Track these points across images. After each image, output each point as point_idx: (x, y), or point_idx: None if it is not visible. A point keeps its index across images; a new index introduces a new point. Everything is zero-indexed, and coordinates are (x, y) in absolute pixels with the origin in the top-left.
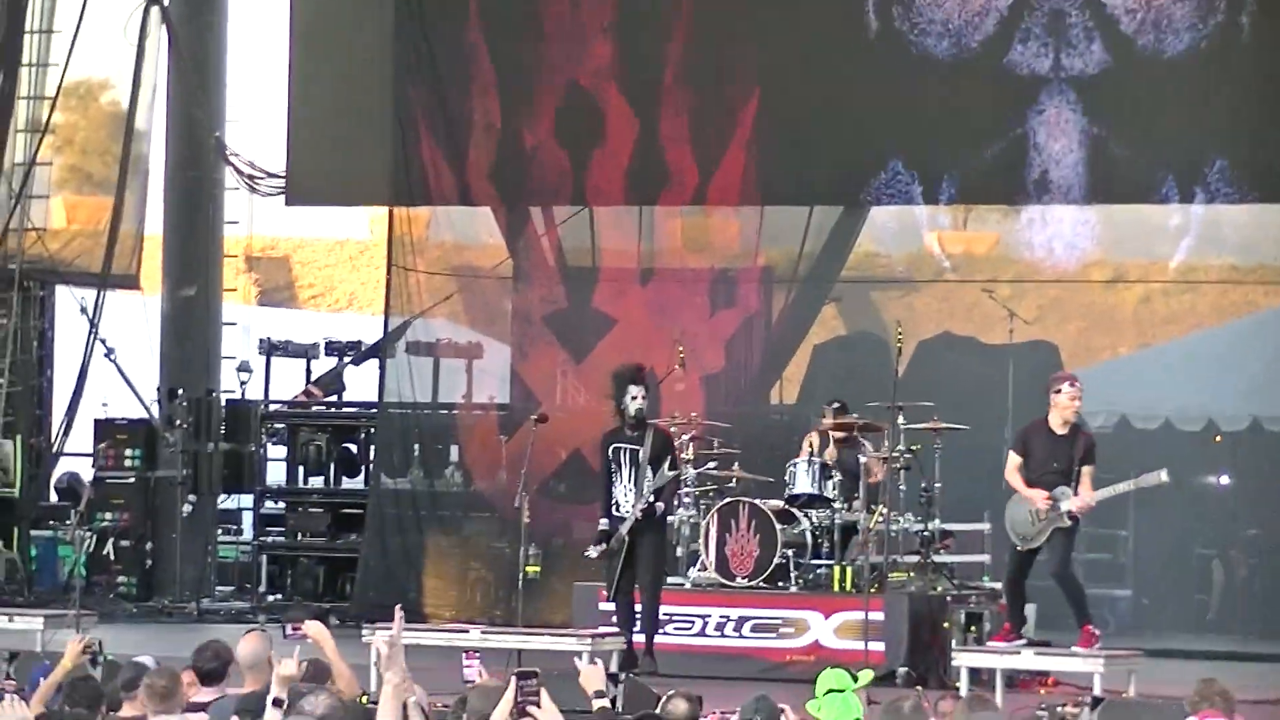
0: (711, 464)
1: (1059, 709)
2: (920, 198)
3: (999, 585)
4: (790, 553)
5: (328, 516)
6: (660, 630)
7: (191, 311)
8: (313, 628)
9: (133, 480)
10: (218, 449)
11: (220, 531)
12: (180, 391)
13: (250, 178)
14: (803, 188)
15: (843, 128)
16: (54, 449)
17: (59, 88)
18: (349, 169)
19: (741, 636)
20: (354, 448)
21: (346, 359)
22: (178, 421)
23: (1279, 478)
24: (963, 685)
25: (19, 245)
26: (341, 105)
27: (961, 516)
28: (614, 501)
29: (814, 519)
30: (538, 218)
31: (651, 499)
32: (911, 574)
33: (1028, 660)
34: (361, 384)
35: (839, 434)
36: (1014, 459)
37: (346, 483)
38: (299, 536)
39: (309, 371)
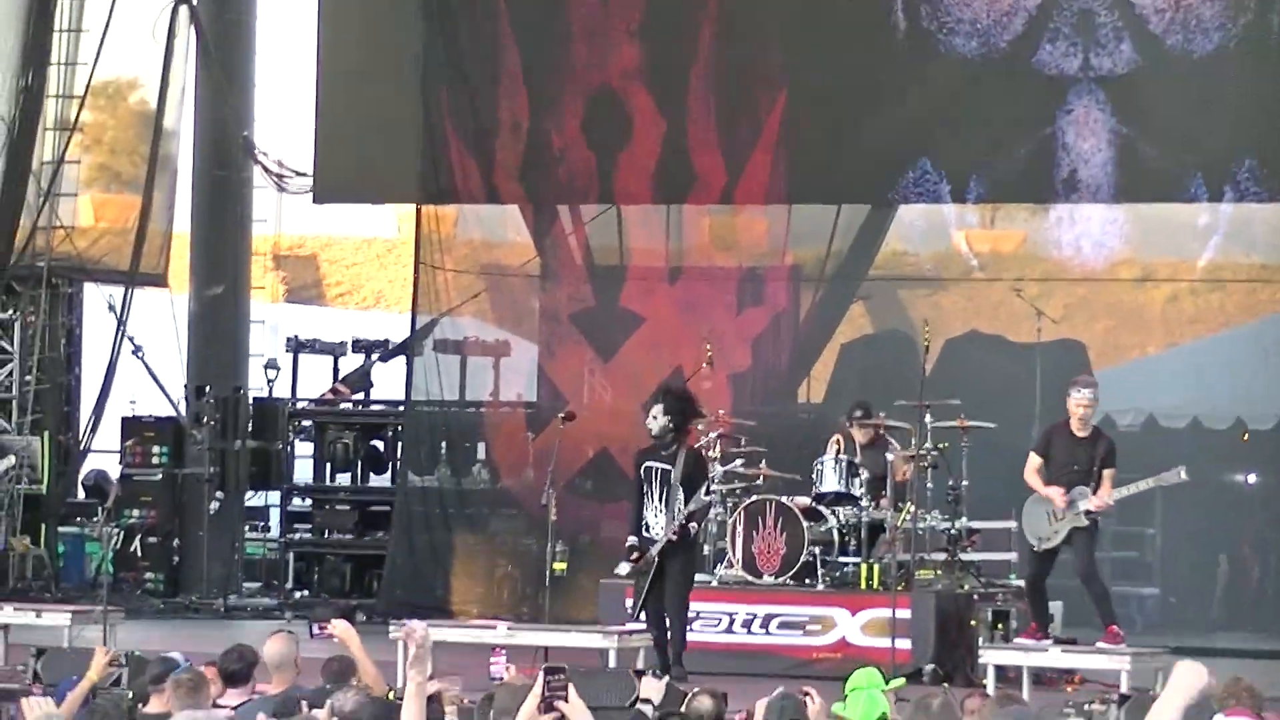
0: (738, 462)
1: (1086, 706)
2: (948, 196)
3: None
4: (817, 550)
5: (355, 514)
6: (687, 628)
7: (219, 309)
8: (339, 627)
9: (160, 477)
10: (245, 447)
11: (247, 529)
12: (208, 389)
13: (278, 176)
14: (830, 187)
15: (870, 127)
16: (81, 446)
17: (87, 86)
18: (377, 167)
19: (768, 634)
20: (381, 445)
21: (374, 357)
22: (205, 419)
23: None
24: (989, 683)
25: (47, 243)
26: (369, 104)
27: (988, 514)
28: (644, 522)
29: (841, 517)
30: (565, 216)
31: (685, 522)
32: (938, 572)
33: (1054, 658)
34: (389, 382)
35: (863, 439)
36: (1034, 460)
37: (374, 480)
38: (326, 534)
39: (336, 369)
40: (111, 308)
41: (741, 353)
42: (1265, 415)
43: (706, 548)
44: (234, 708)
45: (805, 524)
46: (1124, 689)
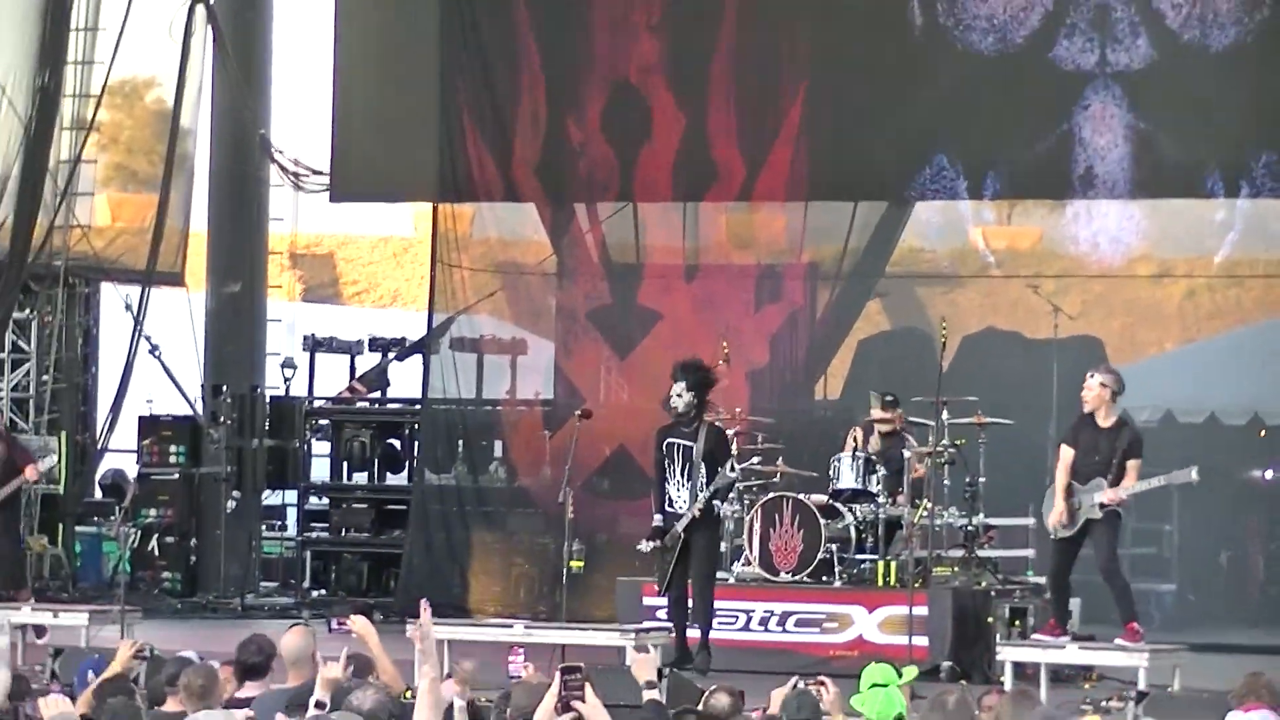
0: (756, 459)
1: (1104, 703)
2: (965, 193)
3: (1043, 580)
4: (834, 547)
5: (372, 512)
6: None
7: (236, 308)
8: (358, 623)
9: (177, 477)
10: (262, 445)
11: (264, 528)
12: (225, 388)
13: (295, 175)
14: (848, 183)
15: (887, 123)
16: (99, 445)
17: (104, 85)
18: (394, 165)
19: (785, 631)
20: (398, 444)
21: (390, 355)
22: (222, 418)
23: None
24: (1007, 680)
25: (64, 242)
26: (386, 102)
27: (1005, 511)
28: (667, 497)
29: (858, 514)
30: (582, 214)
31: (709, 498)
32: (955, 569)
33: (1072, 655)
34: (405, 380)
35: (884, 427)
36: (1065, 453)
37: (390, 479)
38: (343, 532)
39: (353, 368)
40: (128, 307)
41: (759, 350)
42: None
43: (723, 545)
44: (248, 701)
45: (822, 521)
46: (1141, 686)
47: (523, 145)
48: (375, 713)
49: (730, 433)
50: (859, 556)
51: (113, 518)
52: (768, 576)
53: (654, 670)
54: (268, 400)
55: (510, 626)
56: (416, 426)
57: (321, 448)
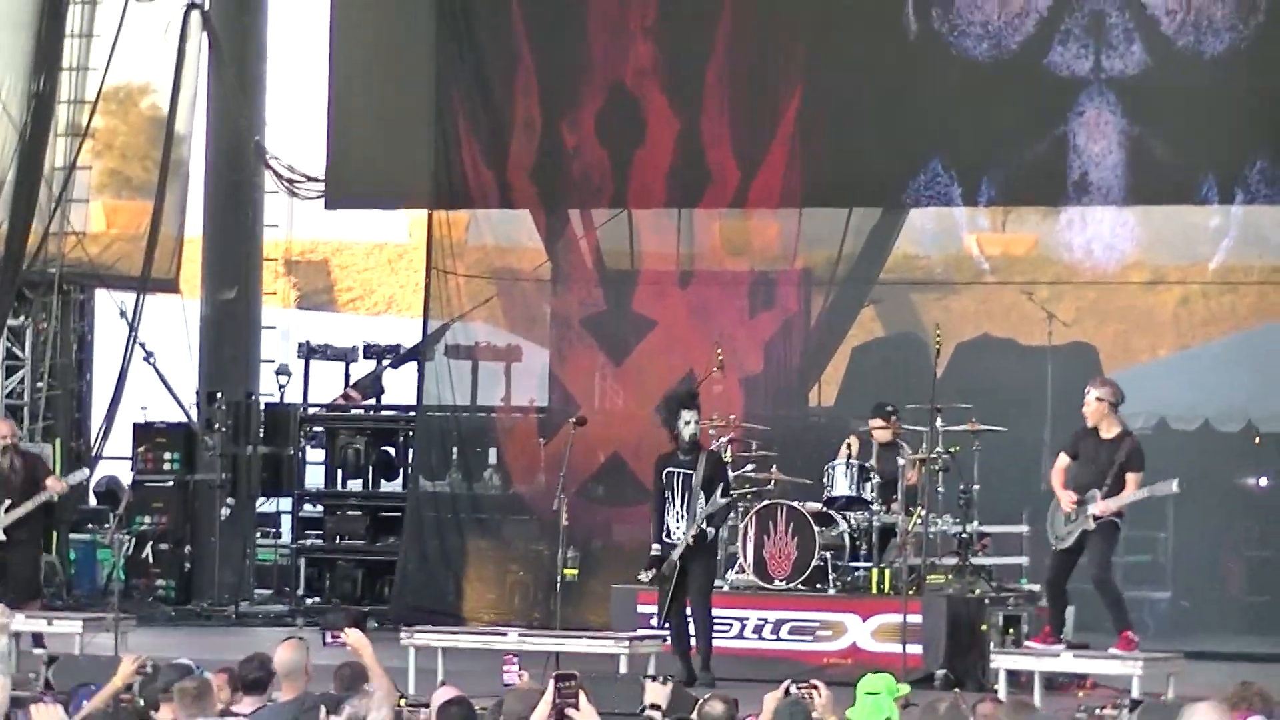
0: (750, 466)
1: (1098, 711)
2: (959, 199)
3: (1037, 587)
4: (828, 555)
5: (366, 520)
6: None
7: (231, 315)
8: (352, 636)
9: (171, 484)
10: (256, 452)
11: (259, 535)
12: (219, 395)
13: (290, 181)
14: (842, 189)
15: (882, 129)
16: (93, 452)
17: (99, 92)
18: (389, 172)
19: (779, 639)
20: (393, 451)
21: (385, 362)
22: (216, 425)
23: None
24: (1001, 688)
25: (59, 249)
26: (381, 108)
27: (1000, 519)
28: (665, 527)
29: (852, 521)
30: (576, 221)
31: (704, 525)
32: (950, 576)
33: (1066, 663)
34: (400, 387)
35: (882, 436)
36: (1061, 460)
37: (385, 486)
38: (338, 540)
39: (348, 375)
40: (123, 314)
41: (753, 357)
42: (1277, 417)
43: (718, 553)
44: (247, 715)
45: (816, 528)
46: (1135, 694)
47: (518, 151)
48: None
49: (724, 440)
50: (853, 564)
51: (107, 525)
52: (762, 584)
53: (664, 700)
54: (262, 407)
55: (505, 634)
56: (411, 433)
57: (316, 455)
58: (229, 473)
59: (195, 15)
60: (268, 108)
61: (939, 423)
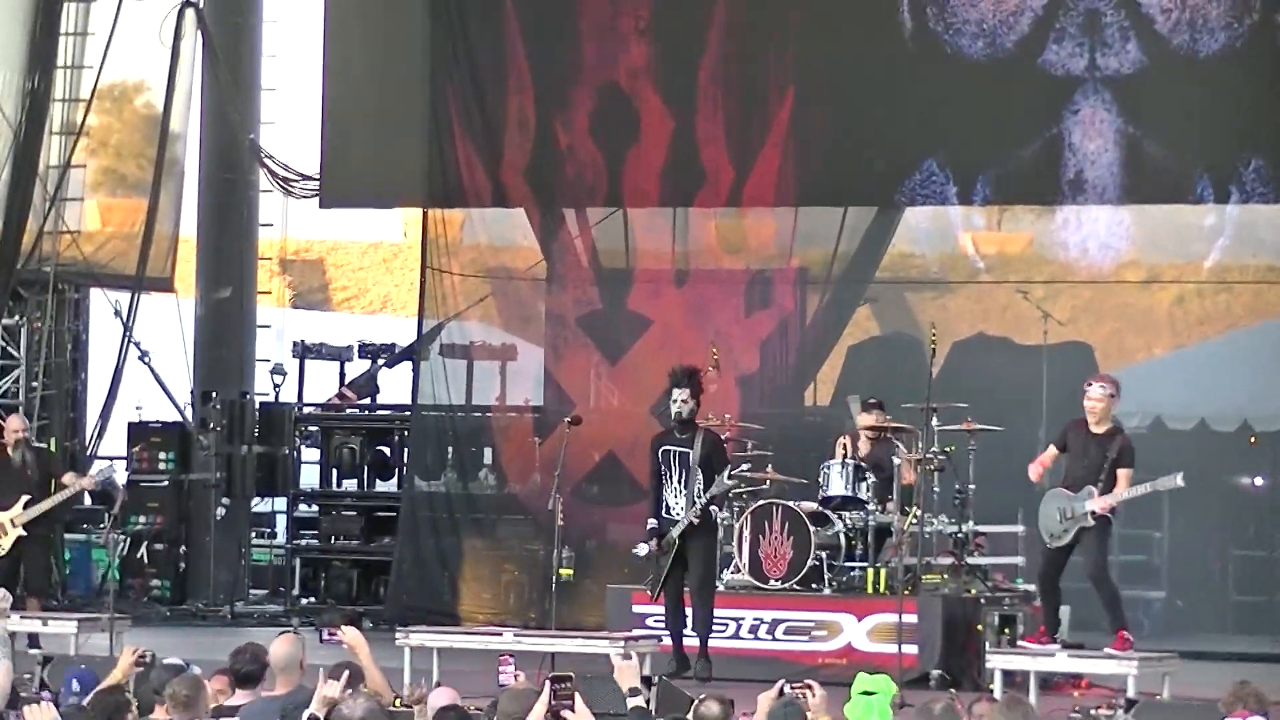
0: (745, 466)
1: (1093, 711)
2: (955, 198)
3: (1033, 587)
4: (824, 555)
5: (361, 520)
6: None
7: (226, 314)
8: (349, 634)
9: (166, 483)
10: (251, 452)
11: (254, 535)
12: (214, 394)
13: (284, 180)
14: (837, 188)
15: (877, 128)
16: (88, 452)
17: (94, 90)
18: (383, 171)
19: (774, 639)
20: (388, 450)
21: (380, 361)
22: (211, 424)
23: None
24: (996, 687)
25: (53, 248)
26: (376, 107)
27: (995, 518)
28: (664, 504)
29: (848, 521)
30: (572, 220)
31: (706, 503)
32: (945, 576)
33: (1062, 662)
34: (395, 387)
35: (871, 433)
36: (1049, 451)
37: (380, 486)
38: (333, 540)
39: (343, 374)
40: (118, 313)
41: (749, 355)
42: (1273, 417)
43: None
44: (239, 707)
45: (812, 528)
46: (1131, 693)
47: (511, 150)
48: None
49: (721, 438)
50: (848, 564)
51: (102, 524)
52: (757, 584)
53: (637, 677)
54: (257, 406)
55: (500, 634)
56: (406, 433)
57: (311, 454)
58: (224, 472)
59: (190, 13)
60: (262, 106)
61: (935, 422)
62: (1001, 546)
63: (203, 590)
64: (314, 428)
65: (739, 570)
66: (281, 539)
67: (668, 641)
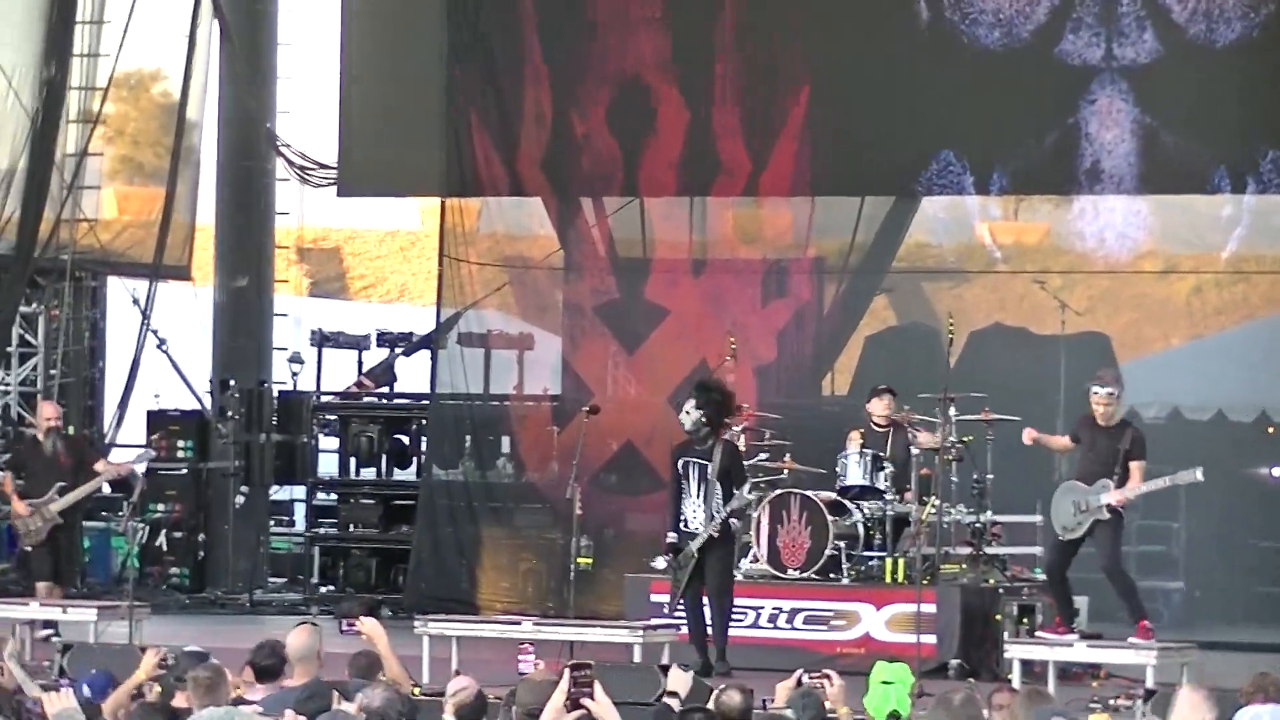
0: (763, 455)
1: (1112, 701)
2: (971, 188)
3: None
4: (842, 544)
5: (380, 508)
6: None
7: (243, 303)
8: (367, 624)
9: (185, 472)
10: (269, 440)
11: (272, 523)
12: (232, 383)
13: (301, 169)
14: (854, 178)
15: (893, 118)
16: (106, 440)
17: (110, 78)
18: (400, 160)
19: (793, 628)
20: (406, 439)
21: (398, 350)
22: (230, 413)
23: None
24: (1015, 677)
25: (71, 236)
26: (393, 96)
27: (1013, 508)
28: (682, 515)
29: (866, 511)
30: (588, 208)
31: (726, 517)
32: (963, 566)
33: (1080, 653)
34: (413, 375)
35: (880, 421)
36: (1063, 439)
37: (398, 474)
38: (351, 528)
39: (360, 363)
40: (135, 301)
41: (766, 345)
42: None
43: (736, 542)
44: (258, 701)
45: (830, 518)
46: (1149, 684)
47: (528, 139)
48: (384, 710)
49: (738, 429)
50: (867, 554)
51: (121, 513)
52: (775, 573)
53: (684, 687)
54: (275, 395)
55: (519, 623)
56: (424, 422)
57: (329, 443)
58: (242, 460)
59: (206, 1)
60: (279, 95)
61: (952, 412)
62: (1019, 536)
63: (221, 578)
64: (332, 416)
65: (758, 560)
66: (300, 527)
67: (685, 630)
